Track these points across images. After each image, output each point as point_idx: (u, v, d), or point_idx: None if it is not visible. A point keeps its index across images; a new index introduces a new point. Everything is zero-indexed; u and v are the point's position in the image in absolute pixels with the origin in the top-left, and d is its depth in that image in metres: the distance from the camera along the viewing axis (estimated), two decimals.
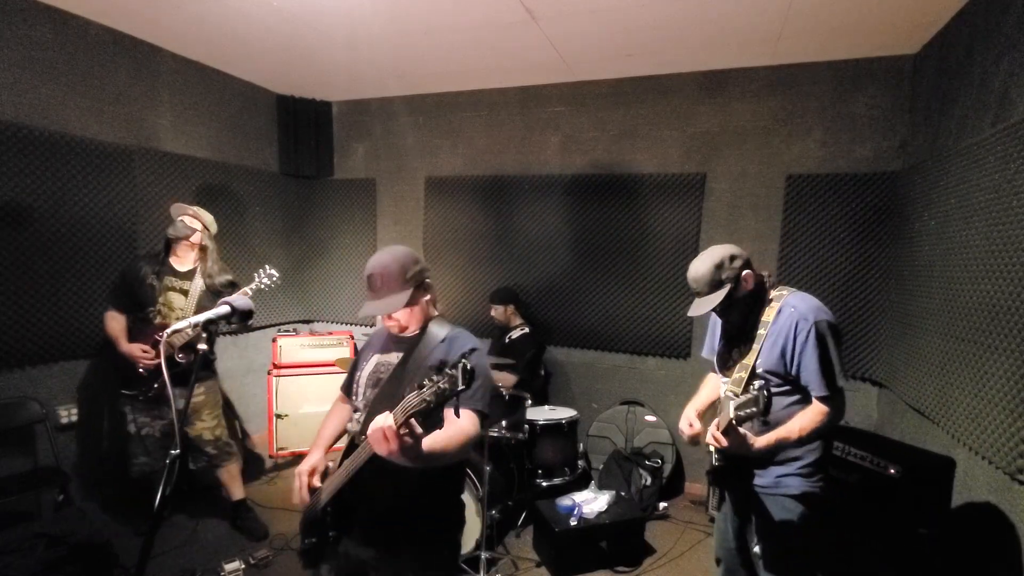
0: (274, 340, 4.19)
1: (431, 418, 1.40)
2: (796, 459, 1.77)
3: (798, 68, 3.32)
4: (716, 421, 1.73)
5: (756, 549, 1.90)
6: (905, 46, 3.01)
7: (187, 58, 3.58)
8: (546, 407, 3.54)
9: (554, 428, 3.30)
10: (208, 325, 1.60)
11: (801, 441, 1.69)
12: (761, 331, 1.77)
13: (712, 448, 1.82)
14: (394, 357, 1.65)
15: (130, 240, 3.25)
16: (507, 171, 4.07)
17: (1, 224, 2.69)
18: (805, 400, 1.74)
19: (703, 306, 1.78)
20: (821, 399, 1.69)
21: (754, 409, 1.55)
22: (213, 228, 2.97)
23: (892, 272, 3.14)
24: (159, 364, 2.69)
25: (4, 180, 2.69)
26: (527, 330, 3.60)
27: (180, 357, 2.75)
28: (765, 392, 1.57)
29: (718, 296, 1.75)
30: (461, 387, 1.25)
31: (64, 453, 2.96)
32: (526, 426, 3.17)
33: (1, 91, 2.68)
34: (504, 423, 3.04)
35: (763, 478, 1.80)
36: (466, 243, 4.22)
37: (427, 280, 1.64)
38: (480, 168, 4.16)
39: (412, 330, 1.64)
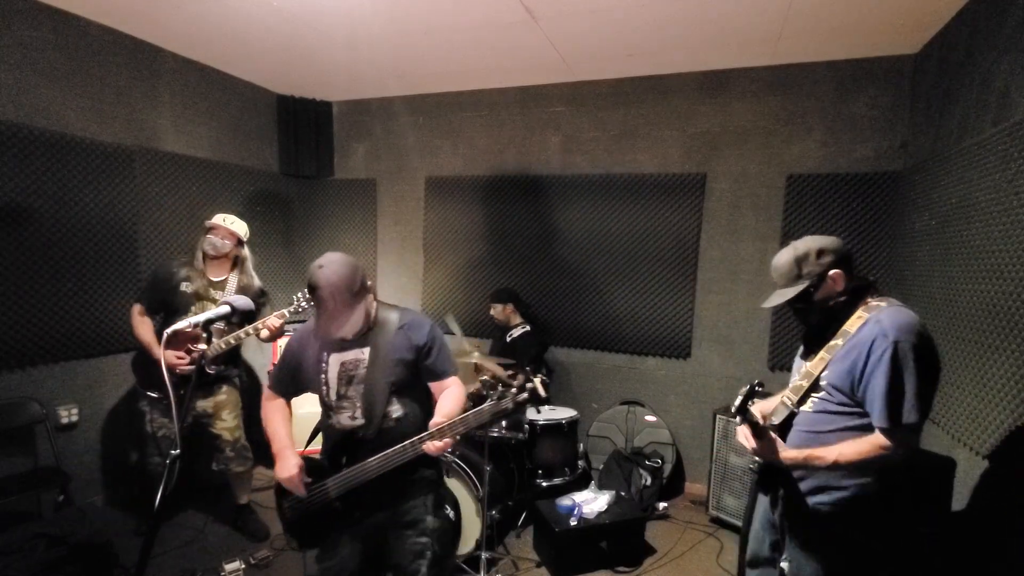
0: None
1: (414, 390, 1.79)
2: (848, 488, 1.55)
3: (798, 68, 3.32)
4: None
5: (784, 565, 1.72)
6: (905, 46, 3.01)
7: (187, 58, 3.58)
8: (546, 407, 3.54)
9: (554, 428, 3.30)
10: (208, 325, 1.60)
11: (837, 467, 1.50)
12: (838, 341, 1.56)
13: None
14: (358, 353, 1.77)
15: (130, 240, 3.25)
16: (507, 171, 4.07)
17: (1, 224, 2.69)
18: (869, 428, 1.50)
19: (775, 298, 1.63)
20: (882, 431, 1.46)
21: (741, 399, 1.52)
22: (246, 237, 2.94)
23: (893, 272, 3.14)
24: (191, 371, 2.69)
25: (4, 180, 2.69)
26: (528, 328, 3.60)
27: (211, 369, 2.79)
28: (754, 384, 1.54)
29: (791, 291, 1.59)
30: (544, 396, 1.51)
31: (64, 453, 2.96)
32: (526, 426, 3.17)
33: (1, 91, 2.68)
34: (504, 423, 3.04)
35: (813, 497, 1.60)
36: (466, 243, 4.22)
37: (368, 283, 1.72)
38: (480, 168, 4.16)
39: (363, 328, 1.75)
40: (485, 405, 1.57)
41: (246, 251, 2.94)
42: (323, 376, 1.79)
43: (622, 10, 2.70)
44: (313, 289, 1.61)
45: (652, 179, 3.68)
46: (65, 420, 3.01)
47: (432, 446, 1.62)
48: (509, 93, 4.01)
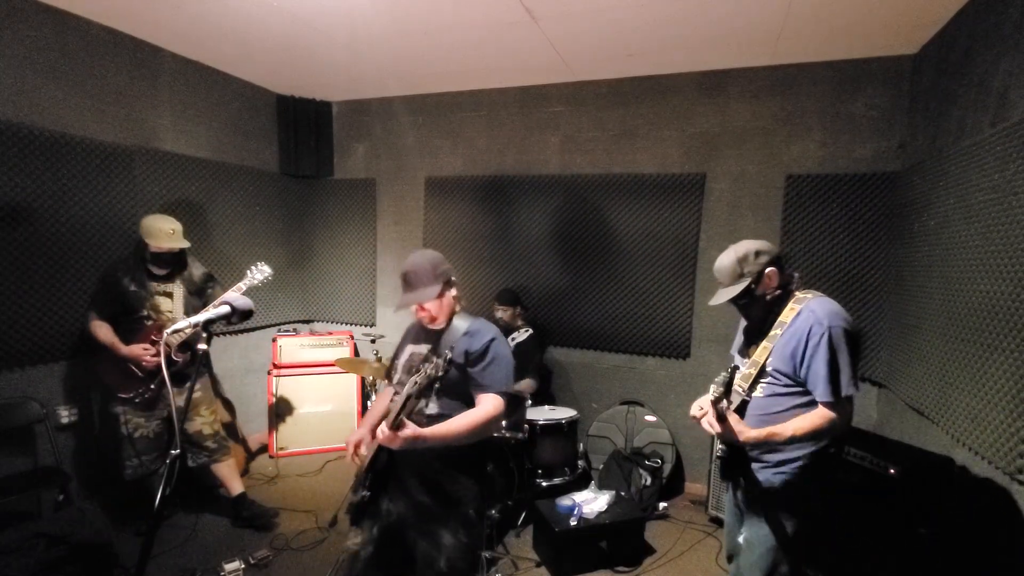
0: (274, 340, 4.20)
1: (461, 395, 1.78)
2: (794, 460, 1.77)
3: (798, 68, 3.32)
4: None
5: (740, 539, 1.92)
6: (905, 46, 3.01)
7: (187, 58, 3.58)
8: (546, 407, 3.55)
9: (554, 428, 3.30)
10: (208, 325, 1.60)
11: (794, 440, 1.69)
12: (777, 331, 1.79)
13: (719, 444, 1.83)
14: (423, 348, 1.88)
15: (130, 240, 3.24)
16: (507, 171, 4.07)
17: (1, 224, 2.69)
18: (813, 404, 1.73)
19: (721, 296, 1.83)
20: (826, 404, 1.69)
21: (723, 389, 1.66)
22: (181, 232, 2.90)
23: (892, 272, 3.15)
24: (158, 364, 2.71)
25: (4, 180, 2.69)
26: (531, 331, 3.60)
27: (176, 356, 2.79)
28: (730, 369, 1.71)
29: (736, 289, 1.79)
30: (440, 374, 1.54)
31: (64, 453, 2.96)
32: (526, 426, 3.17)
33: (1, 91, 2.68)
34: (504, 423, 3.05)
35: (761, 474, 1.83)
36: (466, 243, 4.22)
37: (452, 279, 1.85)
38: (480, 168, 4.16)
39: (440, 323, 1.86)
40: (399, 396, 1.58)
41: (185, 243, 2.92)
42: (397, 362, 1.95)
43: (622, 10, 2.70)
44: (403, 269, 1.80)
45: (651, 179, 3.68)
46: (65, 420, 3.01)
47: (382, 434, 1.57)
48: (509, 93, 4.01)
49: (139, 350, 2.73)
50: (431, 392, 1.70)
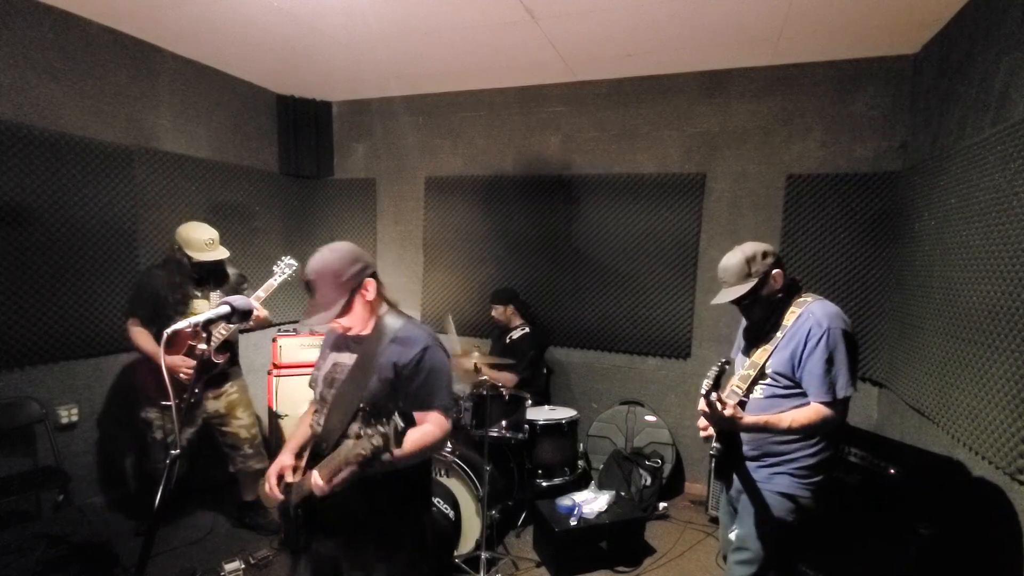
0: (274, 340, 4.19)
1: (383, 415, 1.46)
2: (791, 460, 1.78)
3: (798, 68, 3.32)
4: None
5: (732, 536, 1.92)
6: (905, 46, 3.01)
7: (187, 58, 3.58)
8: (546, 407, 3.54)
9: (554, 428, 3.30)
10: (207, 325, 1.59)
11: (790, 431, 1.71)
12: (779, 334, 1.80)
13: (714, 443, 1.80)
14: (347, 357, 1.63)
15: (130, 240, 3.25)
16: (507, 171, 4.07)
17: (1, 224, 2.69)
18: None
19: (727, 295, 1.82)
20: (824, 404, 1.70)
21: (712, 382, 1.65)
22: (218, 240, 2.91)
23: (892, 272, 3.14)
24: (191, 378, 2.68)
25: (4, 180, 2.69)
26: (527, 330, 3.60)
27: (217, 358, 2.81)
28: (719, 363, 1.71)
29: (743, 288, 1.78)
30: (394, 448, 1.30)
31: (64, 453, 2.96)
32: (526, 426, 3.17)
33: (1, 91, 2.68)
34: (504, 423, 3.05)
35: (757, 473, 1.84)
36: (466, 243, 4.22)
37: (368, 278, 1.56)
38: (480, 168, 4.16)
39: (360, 330, 1.61)
40: (344, 449, 1.39)
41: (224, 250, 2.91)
42: (317, 372, 1.70)
43: (622, 10, 2.70)
44: (305, 274, 1.54)
45: (652, 179, 3.68)
46: (65, 420, 3.01)
47: (316, 483, 1.43)
48: (509, 93, 4.01)
49: (178, 361, 2.66)
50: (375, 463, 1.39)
